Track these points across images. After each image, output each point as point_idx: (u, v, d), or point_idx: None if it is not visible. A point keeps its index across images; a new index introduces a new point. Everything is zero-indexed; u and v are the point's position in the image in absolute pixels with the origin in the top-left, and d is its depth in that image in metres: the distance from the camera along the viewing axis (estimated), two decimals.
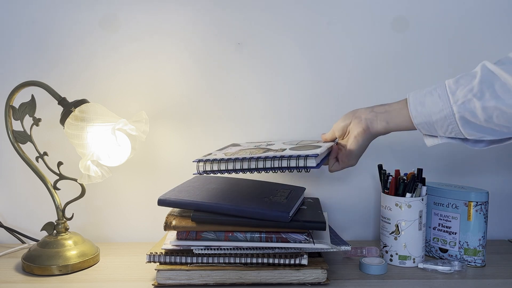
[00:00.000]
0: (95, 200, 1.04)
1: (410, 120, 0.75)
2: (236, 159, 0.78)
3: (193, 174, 0.82)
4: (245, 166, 0.78)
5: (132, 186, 1.04)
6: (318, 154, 0.76)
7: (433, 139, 0.77)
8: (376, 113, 0.79)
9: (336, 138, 0.87)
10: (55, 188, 0.92)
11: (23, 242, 1.03)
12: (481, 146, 0.75)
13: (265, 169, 0.77)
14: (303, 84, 1.03)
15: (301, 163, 0.76)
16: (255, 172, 0.78)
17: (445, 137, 0.75)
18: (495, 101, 0.67)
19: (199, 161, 0.80)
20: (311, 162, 0.75)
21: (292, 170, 0.77)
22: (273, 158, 0.77)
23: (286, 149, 0.83)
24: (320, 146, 0.83)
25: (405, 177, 0.89)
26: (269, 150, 0.83)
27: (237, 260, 0.79)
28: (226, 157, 0.79)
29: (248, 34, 1.02)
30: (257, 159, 0.77)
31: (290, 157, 0.76)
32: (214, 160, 0.79)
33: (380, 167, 0.93)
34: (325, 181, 1.06)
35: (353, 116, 0.81)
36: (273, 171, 0.77)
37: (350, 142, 0.81)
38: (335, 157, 0.86)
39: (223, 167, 0.78)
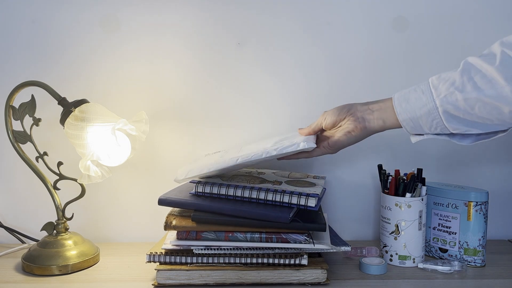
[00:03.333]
0: (95, 200, 1.04)
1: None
2: (236, 186, 0.80)
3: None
4: (246, 194, 0.80)
5: (132, 186, 1.04)
6: (318, 195, 0.79)
7: (419, 136, 0.76)
8: (372, 111, 0.78)
9: (319, 132, 0.86)
10: (55, 188, 0.92)
11: (23, 242, 1.03)
12: (468, 142, 0.74)
13: (266, 201, 0.79)
14: (303, 84, 1.03)
15: (302, 201, 0.78)
16: (254, 201, 0.80)
17: (431, 134, 0.75)
18: (476, 93, 0.68)
19: (198, 182, 0.82)
20: (311, 202, 0.78)
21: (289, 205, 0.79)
22: (275, 191, 0.79)
23: (282, 182, 0.85)
24: (315, 184, 0.86)
25: (405, 177, 0.89)
26: (265, 180, 0.85)
27: (237, 260, 0.79)
28: (225, 183, 0.81)
29: (248, 34, 1.02)
30: (259, 189, 0.79)
31: (291, 193, 0.78)
32: (213, 184, 0.81)
33: (380, 167, 0.93)
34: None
35: (348, 113, 0.80)
36: (270, 203, 0.79)
37: (341, 135, 0.80)
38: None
39: (223, 191, 0.80)
